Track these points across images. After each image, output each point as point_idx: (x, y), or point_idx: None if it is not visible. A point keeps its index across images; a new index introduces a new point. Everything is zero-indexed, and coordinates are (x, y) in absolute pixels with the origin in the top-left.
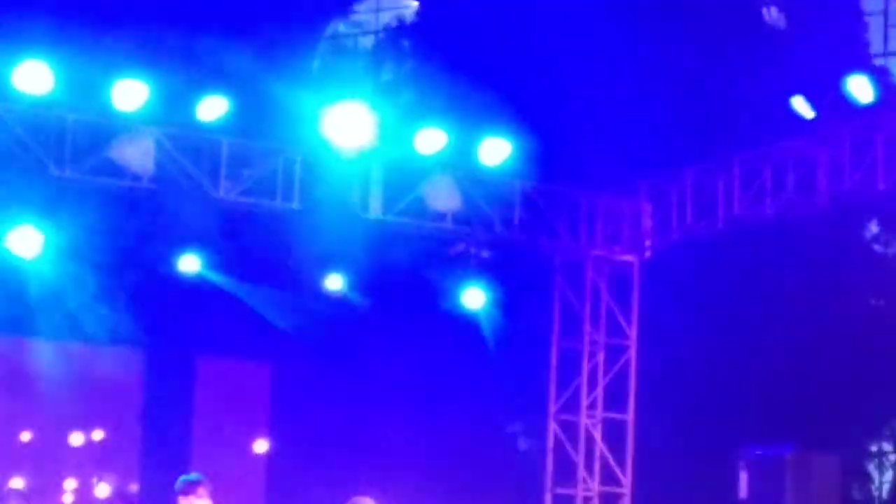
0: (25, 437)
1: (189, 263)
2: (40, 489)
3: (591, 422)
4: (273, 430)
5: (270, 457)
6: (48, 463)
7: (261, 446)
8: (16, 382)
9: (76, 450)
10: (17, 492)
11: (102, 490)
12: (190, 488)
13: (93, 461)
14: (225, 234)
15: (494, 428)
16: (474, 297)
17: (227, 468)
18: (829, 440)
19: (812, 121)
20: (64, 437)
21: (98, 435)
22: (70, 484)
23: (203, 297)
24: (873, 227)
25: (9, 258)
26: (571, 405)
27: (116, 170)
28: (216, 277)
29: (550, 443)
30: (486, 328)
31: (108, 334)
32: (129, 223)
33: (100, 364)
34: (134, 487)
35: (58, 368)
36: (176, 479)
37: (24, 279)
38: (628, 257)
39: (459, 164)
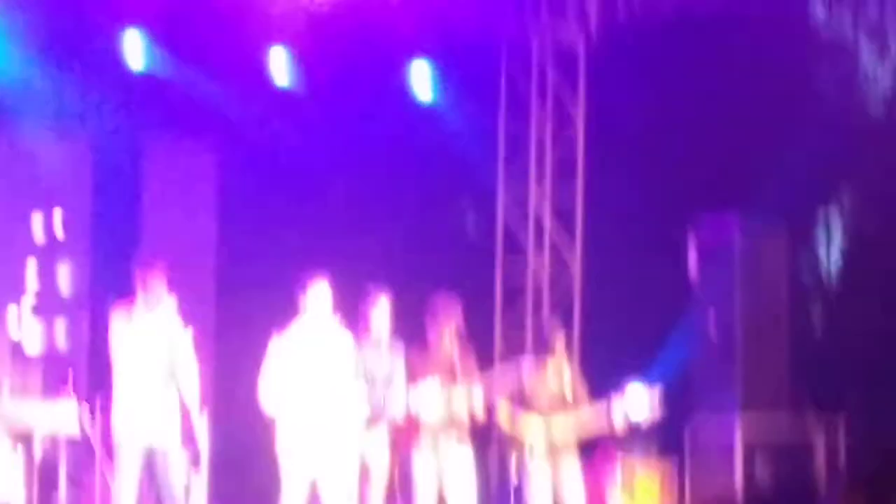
0: None
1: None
2: None
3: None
4: (222, 213)
5: (219, 240)
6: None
7: (210, 227)
8: None
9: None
10: None
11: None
12: (146, 267)
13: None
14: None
15: (444, 205)
16: (421, 74)
17: (177, 250)
18: (776, 213)
19: None
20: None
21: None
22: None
23: (149, 86)
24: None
25: None
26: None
27: None
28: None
29: (500, 232)
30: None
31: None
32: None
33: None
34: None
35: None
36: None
37: None
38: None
39: None
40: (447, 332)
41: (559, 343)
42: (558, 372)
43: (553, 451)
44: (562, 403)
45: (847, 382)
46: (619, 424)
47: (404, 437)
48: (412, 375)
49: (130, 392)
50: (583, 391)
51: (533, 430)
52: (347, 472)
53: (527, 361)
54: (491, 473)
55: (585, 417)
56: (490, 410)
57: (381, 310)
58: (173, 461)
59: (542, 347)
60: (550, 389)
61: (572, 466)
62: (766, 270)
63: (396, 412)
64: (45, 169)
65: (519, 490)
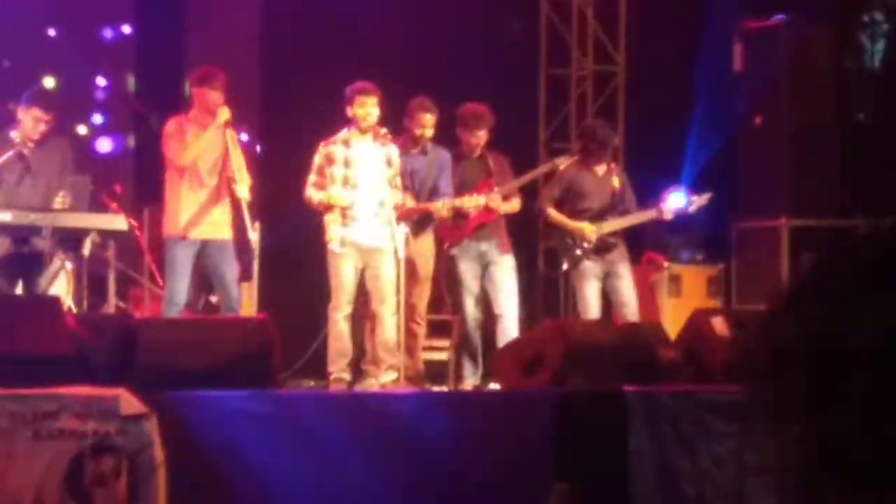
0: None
1: None
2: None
3: (583, 2)
4: (266, 23)
5: (262, 41)
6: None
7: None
8: None
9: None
10: None
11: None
12: (204, 79)
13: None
14: None
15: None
16: None
17: (222, 48)
18: (822, 12)
19: None
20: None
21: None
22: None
23: None
24: None
25: None
26: None
27: None
28: None
29: (543, 24)
30: None
31: None
32: None
33: None
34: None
35: None
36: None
37: None
38: None
39: None
40: (479, 139)
41: (611, 149)
42: (609, 176)
43: (603, 252)
44: (612, 208)
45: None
46: (665, 226)
47: (449, 237)
48: (454, 183)
49: (185, 193)
50: (632, 197)
51: (585, 232)
52: (395, 272)
53: (576, 164)
54: (537, 278)
55: (634, 221)
56: (539, 213)
57: (426, 117)
58: (229, 252)
59: (594, 153)
60: (602, 193)
61: (624, 269)
62: (813, 66)
63: (442, 216)
64: None
65: (569, 291)
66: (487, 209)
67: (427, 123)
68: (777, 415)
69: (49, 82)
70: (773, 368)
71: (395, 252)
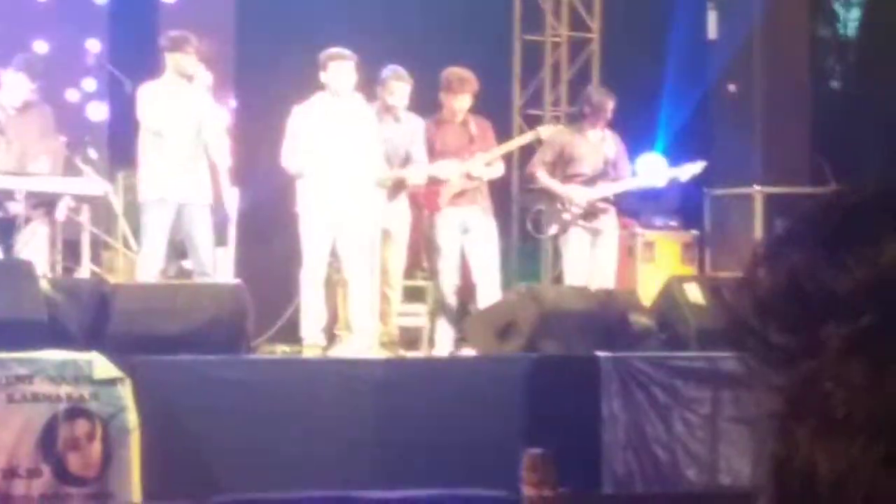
0: None
1: None
2: None
3: None
4: None
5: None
6: None
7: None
8: None
9: None
10: None
11: None
12: (174, 43)
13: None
14: None
15: None
16: None
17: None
18: None
19: None
20: None
21: None
22: None
23: None
24: None
25: None
26: None
27: None
28: None
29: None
30: None
31: None
32: None
33: None
34: None
35: None
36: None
37: None
38: None
39: None
40: (463, 102)
41: (606, 114)
42: (602, 142)
43: (592, 218)
44: (604, 174)
45: (867, 156)
46: (639, 192)
47: (426, 203)
48: (431, 149)
49: (161, 157)
50: (626, 165)
51: (574, 197)
52: (368, 238)
53: (570, 129)
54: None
55: (625, 187)
56: (530, 177)
57: (398, 85)
58: (205, 217)
59: (588, 118)
60: (594, 158)
61: (611, 237)
62: (786, 33)
63: (417, 182)
64: None
65: (556, 256)
66: (468, 176)
67: (401, 92)
68: (759, 367)
69: (41, 46)
70: (753, 319)
71: (370, 217)
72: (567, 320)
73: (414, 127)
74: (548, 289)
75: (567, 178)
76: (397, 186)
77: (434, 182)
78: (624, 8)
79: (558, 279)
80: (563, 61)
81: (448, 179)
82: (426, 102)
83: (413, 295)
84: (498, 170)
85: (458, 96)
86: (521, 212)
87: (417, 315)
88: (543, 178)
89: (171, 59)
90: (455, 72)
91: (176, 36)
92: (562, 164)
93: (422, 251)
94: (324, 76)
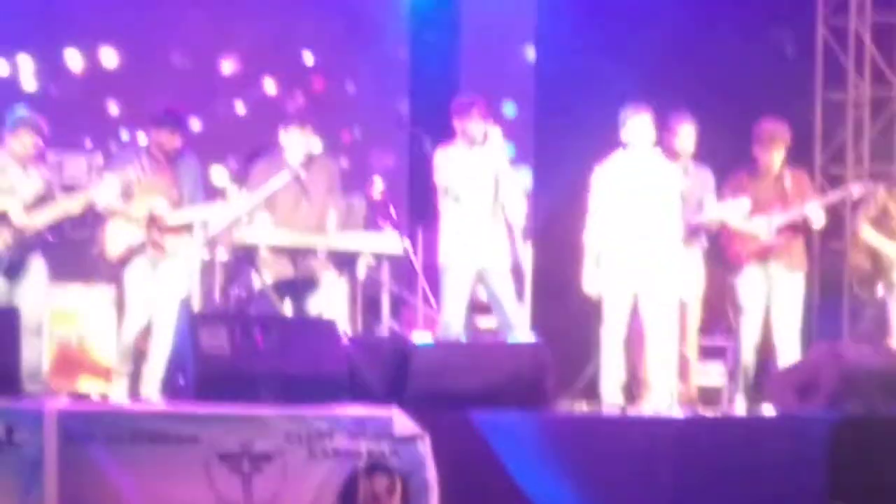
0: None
1: None
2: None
3: (860, 24)
4: (539, 39)
5: (537, 64)
6: None
7: (529, 53)
8: None
9: None
10: None
11: None
12: (462, 110)
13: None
14: None
15: (760, 34)
16: None
17: (495, 76)
18: None
19: None
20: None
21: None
22: None
23: None
24: None
25: None
26: (840, 8)
27: None
28: None
29: (819, 47)
30: None
31: None
32: None
33: None
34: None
35: None
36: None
37: None
38: None
39: None
40: (777, 156)
41: None
42: None
43: None
44: None
45: None
46: None
47: (731, 258)
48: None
49: (460, 220)
50: None
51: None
52: (669, 295)
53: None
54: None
55: None
56: (853, 234)
57: (686, 129)
58: (506, 277)
59: None
60: None
61: None
62: None
63: (709, 231)
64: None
65: (879, 315)
66: (783, 230)
67: (687, 137)
68: None
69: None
70: None
71: (672, 274)
72: (870, 379)
73: (703, 177)
74: (849, 347)
75: (893, 236)
76: (690, 240)
77: (740, 237)
78: None
79: (860, 338)
80: (866, 118)
81: (757, 234)
82: (725, 159)
83: (711, 353)
84: (818, 220)
85: (769, 150)
86: (823, 269)
87: (716, 374)
88: (869, 235)
89: (459, 125)
90: (766, 125)
91: (462, 101)
92: (885, 222)
93: (717, 309)
94: (624, 133)
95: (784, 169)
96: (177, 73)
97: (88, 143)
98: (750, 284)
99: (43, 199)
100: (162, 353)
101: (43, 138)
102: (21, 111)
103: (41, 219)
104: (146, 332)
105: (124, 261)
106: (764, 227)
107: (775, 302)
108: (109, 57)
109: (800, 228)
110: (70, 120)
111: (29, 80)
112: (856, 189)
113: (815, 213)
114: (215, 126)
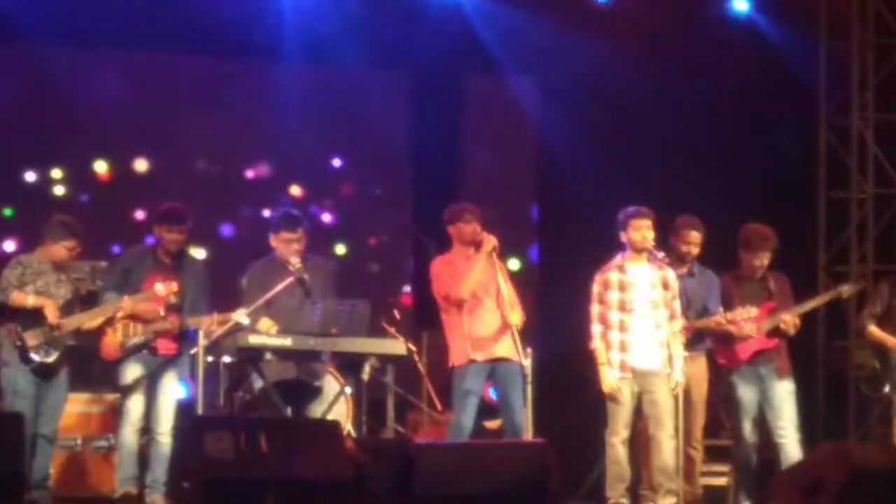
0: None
1: None
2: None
3: (862, 123)
4: (541, 140)
5: (539, 158)
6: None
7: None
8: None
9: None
10: None
11: None
12: (455, 216)
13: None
14: None
15: (764, 136)
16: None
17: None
18: None
19: None
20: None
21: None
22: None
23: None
24: None
25: None
26: (842, 108)
27: None
28: None
29: (822, 147)
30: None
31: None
32: None
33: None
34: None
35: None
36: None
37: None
38: None
39: None
40: (763, 259)
41: None
42: None
43: None
44: None
45: None
46: None
47: (725, 360)
48: (730, 304)
49: (466, 323)
50: None
51: None
52: (672, 397)
53: (888, 284)
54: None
55: None
56: (859, 331)
57: (692, 234)
58: (516, 376)
59: None
60: None
61: None
62: None
63: (714, 335)
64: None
65: (886, 413)
66: (768, 335)
67: (694, 241)
68: None
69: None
70: None
71: (672, 376)
72: (877, 479)
73: (709, 280)
74: (856, 447)
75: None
76: (695, 342)
77: (732, 339)
78: None
79: (865, 437)
80: (870, 217)
81: (748, 336)
82: (726, 258)
83: (716, 454)
84: (792, 326)
85: (758, 254)
86: (828, 367)
87: (721, 474)
88: (875, 332)
89: (454, 231)
90: (754, 229)
91: (453, 209)
92: (889, 318)
93: (723, 410)
94: (624, 235)
95: (767, 272)
96: (202, 179)
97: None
98: (744, 384)
99: (70, 305)
100: (163, 457)
101: (82, 245)
102: (66, 219)
103: (71, 324)
104: (146, 437)
105: (120, 362)
106: (753, 328)
107: (769, 401)
108: (140, 164)
109: (782, 334)
110: (96, 226)
111: (59, 187)
112: (844, 289)
113: (789, 320)
114: (243, 231)
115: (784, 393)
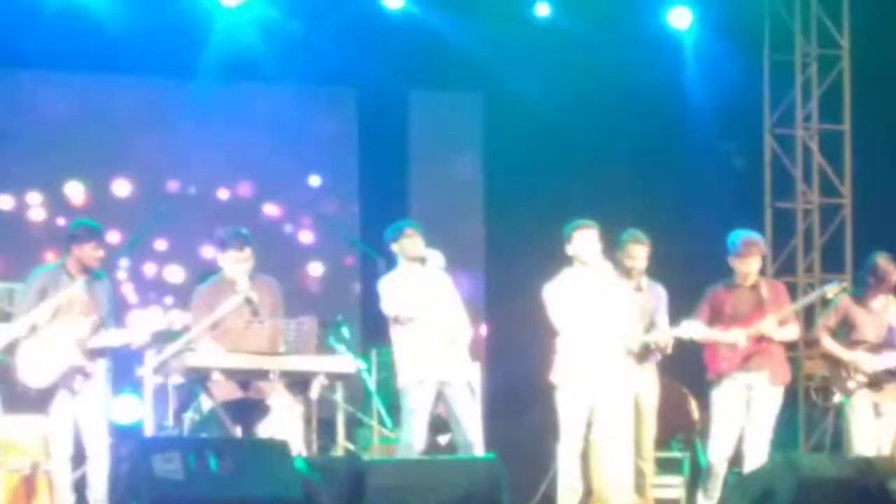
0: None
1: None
2: None
3: (806, 134)
4: (487, 157)
5: (485, 181)
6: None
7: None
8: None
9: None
10: None
11: None
12: (396, 233)
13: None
14: None
15: (709, 147)
16: (681, 16)
17: (444, 201)
18: None
19: None
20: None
21: (315, 181)
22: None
23: (410, 32)
24: None
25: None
26: (786, 118)
27: None
28: (420, 11)
29: (767, 157)
30: (693, 47)
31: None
32: None
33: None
34: None
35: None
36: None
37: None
38: None
39: None
40: (754, 266)
41: (892, 280)
42: (885, 311)
43: (876, 387)
44: (888, 343)
45: None
46: None
47: (710, 366)
48: (721, 313)
49: (414, 340)
50: None
51: (860, 364)
52: (625, 409)
53: (854, 295)
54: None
55: None
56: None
57: (637, 248)
58: (465, 393)
59: (872, 287)
60: (877, 327)
61: (892, 408)
62: None
63: (662, 348)
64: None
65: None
66: (759, 338)
67: (639, 255)
68: None
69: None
70: None
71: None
72: (825, 488)
73: (657, 294)
74: (804, 456)
75: (851, 345)
76: (644, 355)
77: (718, 345)
78: (875, 175)
79: (817, 447)
80: (815, 227)
81: (735, 343)
82: (674, 272)
83: (667, 466)
84: (791, 332)
85: (747, 259)
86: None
87: (673, 486)
88: (828, 344)
89: (397, 247)
90: (742, 235)
91: (394, 228)
92: (844, 330)
93: (672, 422)
94: (569, 248)
95: (760, 279)
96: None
97: None
98: (728, 396)
99: None
100: (101, 479)
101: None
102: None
103: None
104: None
105: (50, 391)
106: (742, 336)
107: (752, 412)
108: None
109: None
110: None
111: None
112: (829, 288)
113: (768, 327)
114: None
115: (768, 405)
